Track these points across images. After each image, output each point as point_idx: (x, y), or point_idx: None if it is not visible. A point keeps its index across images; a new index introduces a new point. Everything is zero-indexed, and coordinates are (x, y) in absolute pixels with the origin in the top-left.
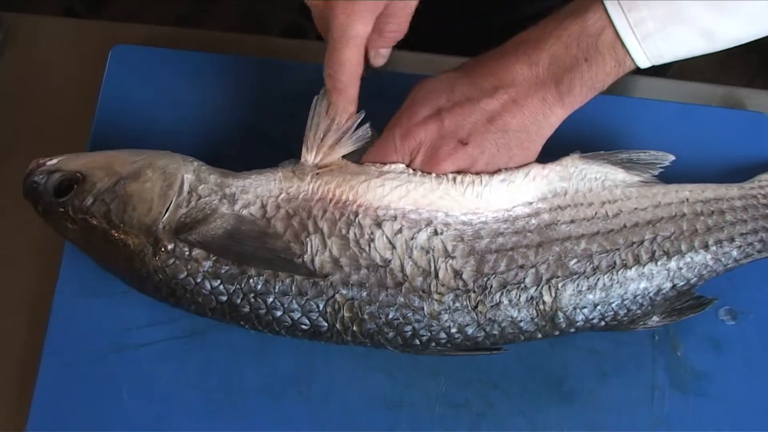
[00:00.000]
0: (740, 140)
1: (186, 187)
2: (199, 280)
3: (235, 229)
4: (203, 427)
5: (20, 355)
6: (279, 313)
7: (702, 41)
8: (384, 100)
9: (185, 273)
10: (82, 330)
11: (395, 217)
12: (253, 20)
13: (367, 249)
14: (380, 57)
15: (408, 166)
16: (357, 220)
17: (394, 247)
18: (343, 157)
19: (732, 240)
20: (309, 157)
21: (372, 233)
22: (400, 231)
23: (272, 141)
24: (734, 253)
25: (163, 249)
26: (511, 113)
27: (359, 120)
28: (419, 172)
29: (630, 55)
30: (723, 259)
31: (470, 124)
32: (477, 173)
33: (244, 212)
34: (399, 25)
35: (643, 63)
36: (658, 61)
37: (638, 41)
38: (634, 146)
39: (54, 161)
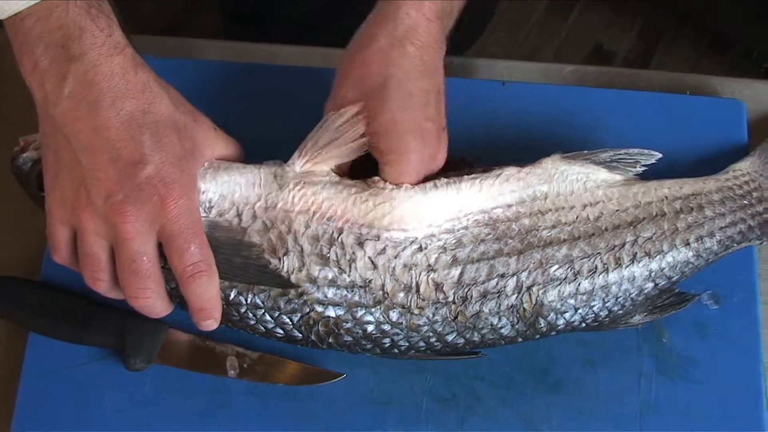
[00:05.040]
0: (716, 127)
1: None
2: (173, 286)
3: (209, 236)
4: (188, 430)
5: (1, 363)
6: (252, 322)
7: None
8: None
9: None
10: None
11: (378, 237)
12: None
13: (347, 270)
14: None
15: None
16: (340, 238)
17: (375, 267)
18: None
19: (712, 235)
20: (298, 162)
21: (354, 253)
22: (383, 251)
23: (247, 143)
24: (714, 247)
25: None
26: (427, 53)
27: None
28: (405, 187)
29: None
30: (704, 255)
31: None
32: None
33: (219, 219)
34: None
35: None
36: None
37: None
38: (611, 137)
39: (37, 144)
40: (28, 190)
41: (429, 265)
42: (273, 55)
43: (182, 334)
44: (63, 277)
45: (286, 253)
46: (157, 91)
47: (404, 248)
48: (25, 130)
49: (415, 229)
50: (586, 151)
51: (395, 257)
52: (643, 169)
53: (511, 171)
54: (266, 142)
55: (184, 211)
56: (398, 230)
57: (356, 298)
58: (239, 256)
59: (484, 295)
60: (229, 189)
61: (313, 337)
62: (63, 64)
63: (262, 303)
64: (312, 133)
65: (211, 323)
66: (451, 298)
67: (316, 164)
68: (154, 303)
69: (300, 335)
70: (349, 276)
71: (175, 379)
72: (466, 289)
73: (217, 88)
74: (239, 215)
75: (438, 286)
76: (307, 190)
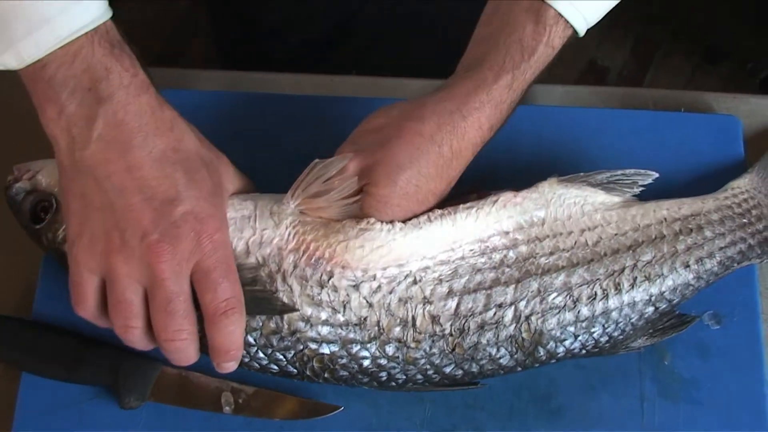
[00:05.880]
0: (712, 144)
1: None
2: None
3: None
4: None
5: None
6: (246, 360)
7: None
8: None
9: None
10: None
11: (374, 277)
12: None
13: (341, 310)
14: None
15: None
16: (331, 281)
17: (370, 306)
18: None
19: (712, 256)
20: (292, 203)
21: (348, 295)
22: (378, 289)
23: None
24: (715, 268)
25: None
26: (459, 170)
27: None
28: (399, 225)
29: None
30: (704, 276)
31: (432, 199)
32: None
33: None
34: None
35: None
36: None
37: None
38: (606, 157)
39: (31, 174)
40: (21, 221)
41: (425, 298)
42: (264, 83)
43: (175, 371)
44: (55, 316)
45: (275, 292)
46: (184, 128)
47: (399, 283)
48: (19, 160)
49: (409, 263)
50: (582, 173)
51: (390, 293)
52: (640, 189)
53: (507, 196)
54: (259, 170)
55: (219, 245)
56: (394, 266)
57: (351, 335)
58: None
59: (481, 326)
60: None
61: (308, 373)
62: (91, 106)
63: (255, 341)
64: (301, 176)
65: (233, 365)
66: (448, 330)
67: (309, 210)
68: (189, 346)
69: (295, 371)
70: (343, 315)
71: (170, 416)
72: (463, 321)
73: (210, 117)
74: (233, 249)
75: (434, 319)
76: (300, 228)
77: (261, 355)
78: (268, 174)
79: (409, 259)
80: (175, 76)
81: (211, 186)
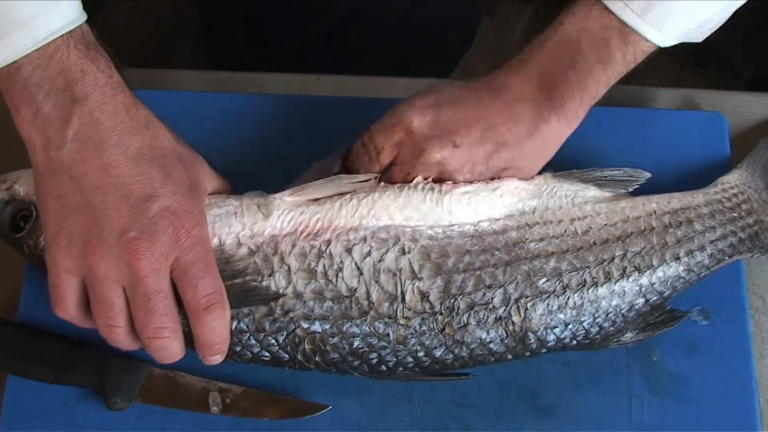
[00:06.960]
0: (698, 141)
1: None
2: None
3: None
4: None
5: None
6: (238, 348)
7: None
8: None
9: None
10: None
11: (365, 239)
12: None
13: (334, 280)
14: None
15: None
16: (328, 249)
17: (361, 273)
18: None
19: (703, 249)
20: (289, 199)
21: (341, 262)
22: (368, 254)
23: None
24: (706, 261)
25: None
26: (507, 125)
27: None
28: (390, 188)
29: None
30: (696, 269)
31: (465, 127)
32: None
33: None
34: None
35: (662, 41)
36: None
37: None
38: (593, 154)
39: (8, 184)
40: (1, 231)
41: (413, 272)
42: (249, 83)
43: (162, 371)
44: (40, 318)
45: (271, 274)
46: (159, 126)
47: (387, 250)
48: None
49: (397, 228)
50: (576, 170)
51: (380, 261)
52: (633, 188)
53: (508, 186)
54: (243, 171)
55: (197, 240)
56: (383, 230)
57: (342, 309)
58: (226, 279)
59: (471, 307)
60: (209, 220)
61: (299, 357)
62: (67, 106)
63: (247, 327)
64: (316, 182)
65: (219, 358)
66: (437, 309)
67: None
68: (172, 343)
69: (287, 356)
70: (335, 286)
71: (157, 417)
72: (452, 300)
73: (193, 118)
74: (221, 244)
75: (424, 296)
76: (295, 212)
77: (253, 341)
78: (252, 176)
79: (395, 222)
80: (157, 77)
81: (187, 182)
